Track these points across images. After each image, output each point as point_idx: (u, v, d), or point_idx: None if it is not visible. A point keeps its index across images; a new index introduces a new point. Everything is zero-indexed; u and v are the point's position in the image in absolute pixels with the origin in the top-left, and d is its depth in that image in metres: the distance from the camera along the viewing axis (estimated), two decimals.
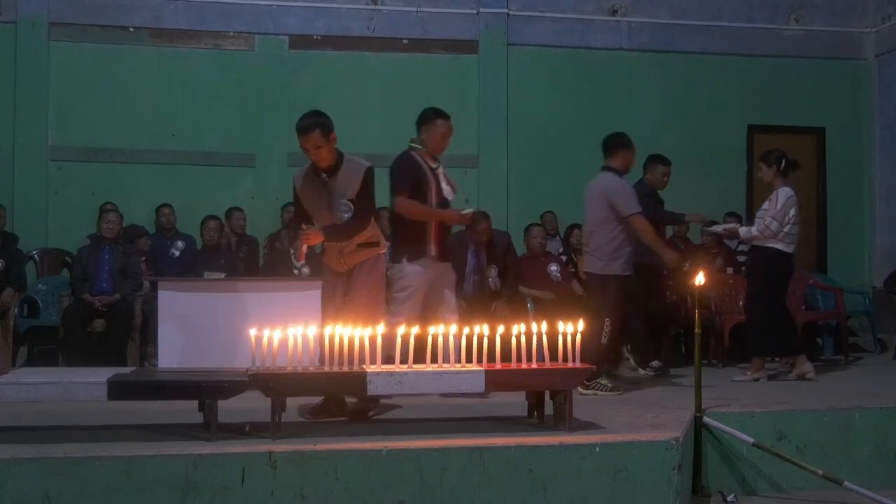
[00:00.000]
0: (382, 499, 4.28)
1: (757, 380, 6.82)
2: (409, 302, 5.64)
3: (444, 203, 5.82)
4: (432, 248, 5.73)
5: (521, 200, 10.16)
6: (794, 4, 10.92)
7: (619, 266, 6.31)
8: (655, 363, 7.14)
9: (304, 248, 5.18)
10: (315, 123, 5.13)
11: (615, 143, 6.51)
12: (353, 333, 4.63)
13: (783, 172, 6.90)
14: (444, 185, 5.82)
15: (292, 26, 10.11)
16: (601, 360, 5.97)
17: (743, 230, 6.90)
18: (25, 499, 4.05)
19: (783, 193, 6.81)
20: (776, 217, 6.73)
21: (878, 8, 10.86)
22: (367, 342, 4.65)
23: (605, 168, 6.52)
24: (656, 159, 7.39)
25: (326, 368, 4.63)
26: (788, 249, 6.85)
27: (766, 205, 6.91)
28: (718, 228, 7.35)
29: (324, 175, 5.22)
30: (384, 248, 5.53)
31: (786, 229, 6.77)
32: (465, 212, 5.90)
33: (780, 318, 6.87)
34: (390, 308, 5.66)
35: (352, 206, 5.14)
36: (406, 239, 5.78)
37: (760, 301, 6.88)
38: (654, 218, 6.84)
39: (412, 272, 5.69)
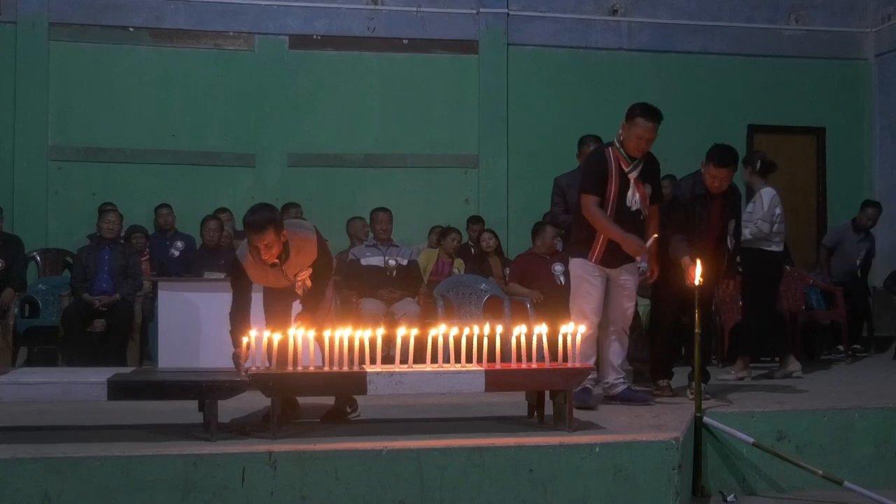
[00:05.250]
0: (382, 499, 4.28)
1: (742, 379, 6.86)
2: (585, 299, 5.55)
3: (625, 212, 5.49)
4: (594, 255, 5.53)
5: (520, 200, 10.14)
6: (794, 4, 10.92)
7: None
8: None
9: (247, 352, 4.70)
10: (269, 220, 4.67)
11: None
12: (353, 334, 4.65)
13: (760, 172, 6.94)
14: (632, 193, 5.47)
15: (292, 26, 10.12)
16: None
17: None
18: (25, 499, 4.05)
19: (766, 194, 6.87)
20: (765, 218, 6.80)
21: (878, 8, 10.86)
22: (366, 342, 4.66)
23: None
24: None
25: (326, 368, 4.63)
26: (778, 248, 6.94)
27: (750, 207, 6.93)
28: None
29: (276, 261, 4.79)
30: None
31: (774, 228, 6.85)
32: (648, 244, 5.44)
33: (773, 319, 7.00)
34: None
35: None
36: (577, 236, 5.65)
37: (755, 303, 6.93)
38: None
39: (585, 266, 5.57)
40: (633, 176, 5.46)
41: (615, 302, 5.62)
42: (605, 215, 5.44)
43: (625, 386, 5.70)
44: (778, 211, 6.86)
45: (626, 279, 5.64)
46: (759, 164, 6.95)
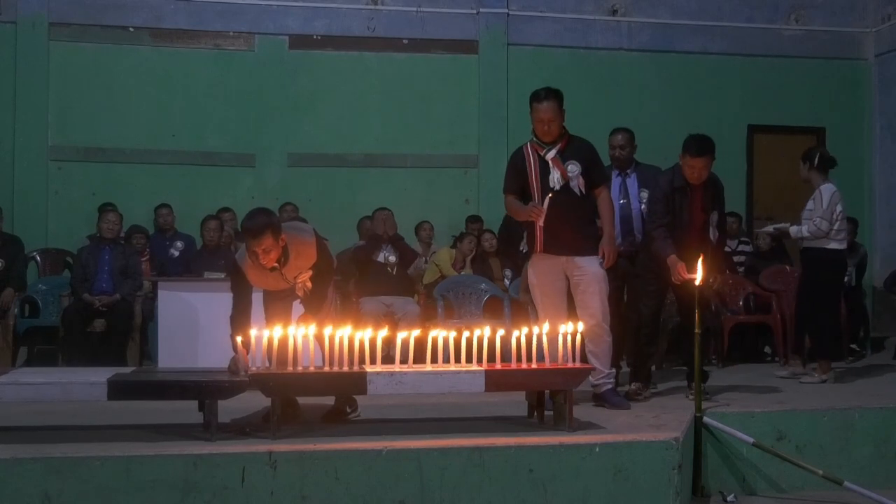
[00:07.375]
0: (382, 499, 4.28)
1: (825, 381, 6.68)
2: (539, 300, 5.66)
3: (549, 192, 5.52)
4: (538, 245, 5.58)
5: None
6: (794, 4, 10.92)
7: None
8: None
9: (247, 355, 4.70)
10: (266, 225, 4.66)
11: None
12: (354, 334, 4.65)
13: (819, 169, 6.78)
14: (552, 175, 5.53)
15: (292, 26, 10.12)
16: None
17: (794, 229, 6.78)
18: (25, 499, 4.05)
19: (826, 191, 6.69)
20: (824, 216, 6.62)
21: (878, 8, 10.86)
22: (366, 342, 4.67)
23: None
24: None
25: (326, 368, 4.63)
26: (840, 246, 6.77)
27: (810, 204, 6.76)
28: (769, 228, 7.22)
29: (275, 265, 4.79)
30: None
31: (835, 227, 6.67)
32: (544, 205, 5.46)
33: (836, 318, 6.83)
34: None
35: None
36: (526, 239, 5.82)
37: (819, 301, 6.76)
38: None
39: (530, 270, 5.70)
40: (549, 157, 5.54)
41: (577, 298, 5.55)
42: (516, 203, 5.64)
43: (609, 387, 5.65)
44: (839, 208, 6.66)
45: (583, 272, 5.53)
46: (817, 160, 6.77)
